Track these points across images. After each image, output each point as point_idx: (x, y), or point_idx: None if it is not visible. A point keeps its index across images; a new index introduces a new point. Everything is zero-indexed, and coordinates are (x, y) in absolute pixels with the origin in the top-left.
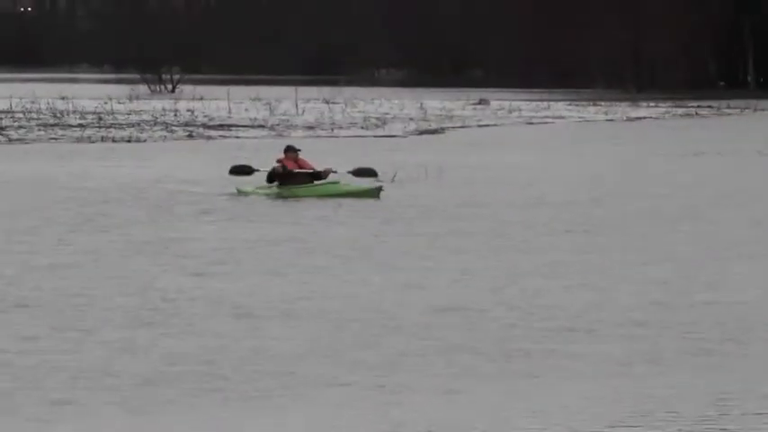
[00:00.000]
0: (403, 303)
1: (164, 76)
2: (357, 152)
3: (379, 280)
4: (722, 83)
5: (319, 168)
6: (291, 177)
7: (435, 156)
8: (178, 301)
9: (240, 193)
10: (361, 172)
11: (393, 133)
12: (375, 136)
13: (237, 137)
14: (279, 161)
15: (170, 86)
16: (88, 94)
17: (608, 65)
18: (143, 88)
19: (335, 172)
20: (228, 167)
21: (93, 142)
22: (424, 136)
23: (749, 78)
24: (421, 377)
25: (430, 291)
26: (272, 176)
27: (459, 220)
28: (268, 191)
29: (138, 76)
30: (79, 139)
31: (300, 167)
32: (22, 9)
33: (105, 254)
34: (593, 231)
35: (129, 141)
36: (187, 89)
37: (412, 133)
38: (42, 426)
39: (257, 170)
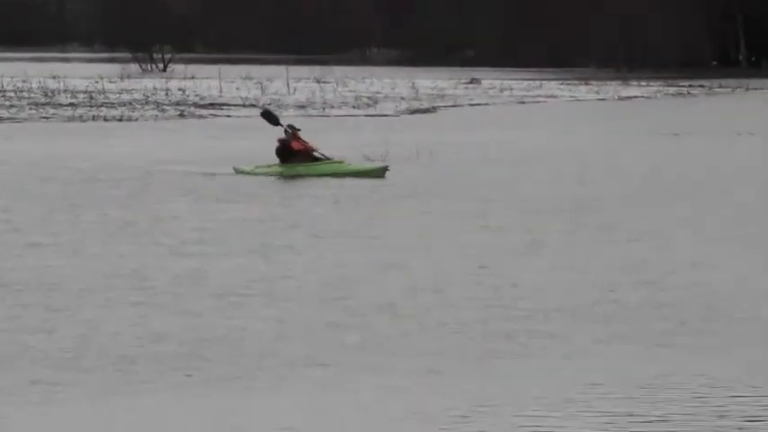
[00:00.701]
0: (385, 283)
1: (155, 55)
2: (348, 131)
3: (361, 259)
4: (714, 62)
5: (316, 145)
6: (293, 156)
7: (427, 135)
8: (157, 281)
9: (238, 172)
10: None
11: (385, 112)
12: (367, 115)
13: (229, 116)
14: (280, 140)
15: (161, 66)
16: (79, 73)
17: (600, 44)
18: (134, 67)
19: (341, 162)
20: (261, 110)
21: (84, 121)
22: (416, 115)
23: (741, 57)
24: (403, 358)
25: (411, 271)
26: (282, 152)
27: (446, 199)
28: (267, 170)
29: (129, 56)
30: (70, 119)
31: (304, 146)
32: None
33: (85, 233)
34: (574, 210)
35: (120, 120)
36: (178, 68)
37: (403, 112)
38: (21, 406)
39: (281, 125)
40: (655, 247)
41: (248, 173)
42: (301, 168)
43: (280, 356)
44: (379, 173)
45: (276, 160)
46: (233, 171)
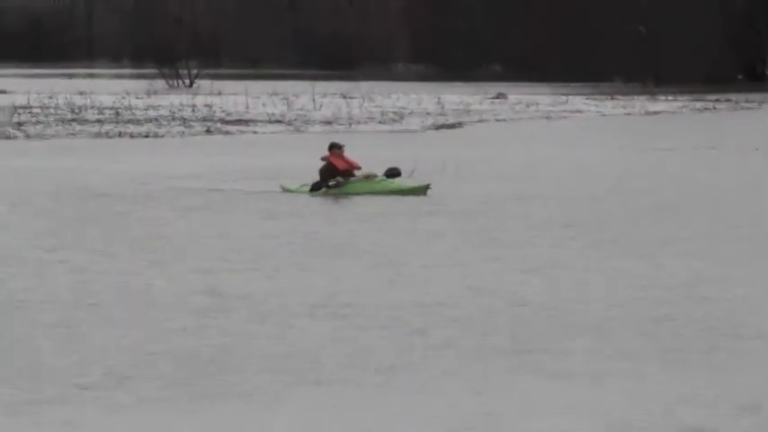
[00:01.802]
0: (393, 300)
1: (181, 71)
2: (375, 147)
3: (376, 275)
4: (740, 76)
5: (362, 173)
6: (337, 175)
7: (453, 150)
8: (160, 297)
9: (285, 190)
10: (392, 173)
11: (410, 128)
12: (392, 131)
13: (255, 132)
14: (324, 158)
15: (188, 82)
16: (106, 89)
17: (627, 59)
18: (161, 83)
19: (377, 176)
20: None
21: (110, 138)
22: (442, 130)
23: (766, 72)
24: (411, 375)
25: (420, 287)
26: (326, 172)
27: (471, 216)
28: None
29: (156, 72)
30: (97, 135)
31: (349, 164)
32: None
33: (93, 249)
34: (592, 227)
35: (146, 137)
36: (205, 84)
37: (429, 128)
38: (18, 423)
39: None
40: (675, 263)
41: (294, 191)
42: (345, 187)
43: (284, 373)
44: (421, 191)
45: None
46: (280, 189)
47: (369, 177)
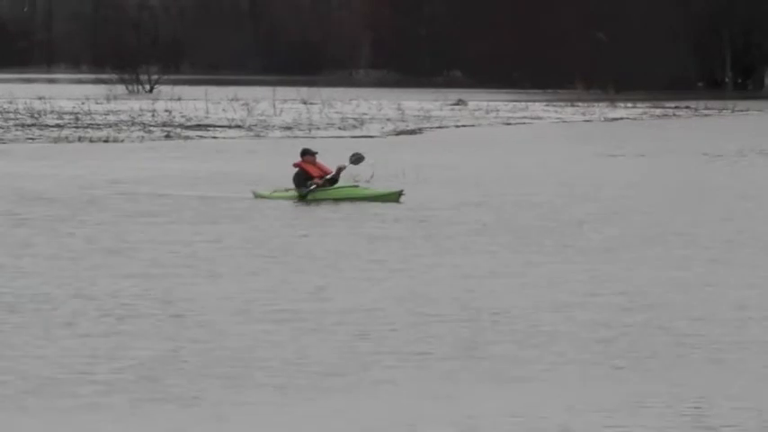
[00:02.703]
0: (334, 304)
1: (141, 76)
2: (335, 153)
3: (318, 280)
4: (700, 84)
5: (333, 171)
6: (308, 181)
7: (410, 156)
8: (116, 306)
9: (257, 196)
10: (356, 159)
11: (371, 134)
12: (353, 136)
13: (215, 137)
14: (296, 165)
15: (148, 87)
16: (66, 94)
17: (587, 66)
18: (121, 89)
19: (345, 167)
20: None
21: (70, 142)
22: (402, 136)
23: (727, 79)
24: (352, 380)
25: (390, 290)
26: (299, 179)
27: (420, 221)
28: (285, 194)
29: (115, 77)
30: (56, 140)
31: (322, 171)
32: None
33: (50, 256)
34: (539, 233)
35: (106, 141)
36: (165, 89)
37: (389, 134)
38: None
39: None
40: (631, 267)
41: (267, 197)
42: (318, 193)
43: (221, 377)
44: (394, 197)
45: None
46: (252, 195)
47: (339, 170)
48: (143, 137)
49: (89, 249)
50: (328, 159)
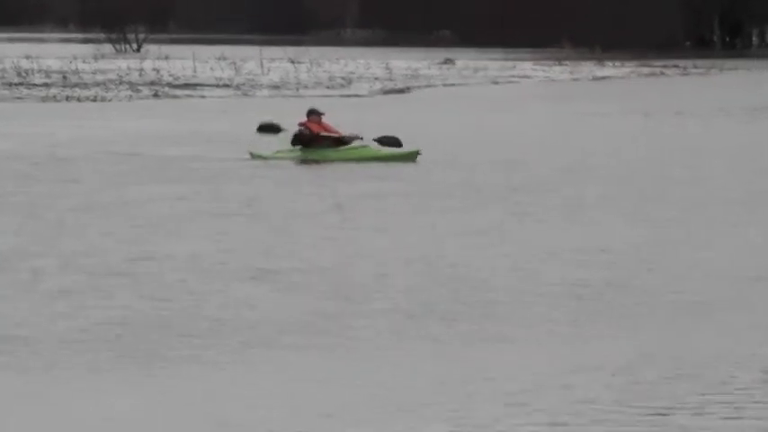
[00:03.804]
0: (354, 267)
1: (129, 35)
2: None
3: (312, 240)
4: (688, 43)
5: (344, 133)
6: (316, 141)
7: (400, 115)
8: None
9: (255, 157)
10: (386, 141)
11: (358, 93)
12: (341, 95)
13: (203, 96)
14: (301, 124)
15: (135, 46)
16: (53, 53)
17: (575, 24)
18: (108, 48)
19: (361, 138)
20: (257, 125)
21: (57, 101)
22: (390, 95)
23: (715, 38)
24: (372, 342)
25: (377, 254)
26: (297, 139)
27: (409, 181)
28: (290, 154)
29: (103, 36)
30: (44, 99)
31: (326, 131)
32: None
33: (40, 215)
34: (528, 191)
35: (94, 101)
36: (152, 49)
37: (377, 93)
38: None
39: (284, 129)
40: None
41: (268, 158)
42: (329, 152)
43: (223, 337)
44: (411, 157)
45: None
46: (249, 156)
47: (353, 138)
48: (131, 96)
49: (65, 209)
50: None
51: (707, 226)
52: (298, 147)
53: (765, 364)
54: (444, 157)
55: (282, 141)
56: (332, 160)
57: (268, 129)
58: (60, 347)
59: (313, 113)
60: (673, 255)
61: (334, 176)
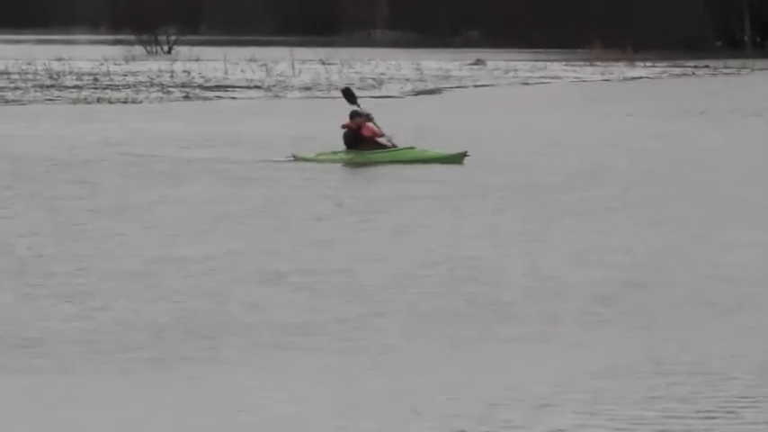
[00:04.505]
0: (351, 266)
1: (159, 37)
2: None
3: (334, 242)
4: (719, 43)
5: (386, 138)
6: (363, 143)
7: (432, 116)
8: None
9: (298, 159)
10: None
11: (390, 94)
12: (372, 96)
13: (234, 98)
14: (344, 126)
15: (166, 48)
16: (84, 55)
17: (605, 24)
18: (139, 50)
19: (396, 145)
20: (342, 88)
21: (89, 103)
22: (421, 96)
23: (746, 38)
24: (380, 341)
25: (389, 256)
26: (351, 139)
27: (438, 183)
28: (333, 156)
29: (133, 38)
30: (75, 101)
31: (373, 133)
32: None
33: (55, 216)
34: (556, 191)
35: (125, 102)
36: (183, 50)
37: (408, 94)
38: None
39: (357, 105)
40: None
41: (310, 160)
42: (373, 155)
43: (250, 337)
44: (458, 159)
45: (341, 147)
46: (292, 158)
47: (391, 143)
48: (161, 98)
49: (82, 210)
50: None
51: (728, 228)
52: (347, 149)
53: None
54: (476, 158)
55: (324, 144)
56: (376, 162)
57: (348, 95)
58: (72, 349)
59: (357, 115)
60: (693, 257)
61: (364, 178)
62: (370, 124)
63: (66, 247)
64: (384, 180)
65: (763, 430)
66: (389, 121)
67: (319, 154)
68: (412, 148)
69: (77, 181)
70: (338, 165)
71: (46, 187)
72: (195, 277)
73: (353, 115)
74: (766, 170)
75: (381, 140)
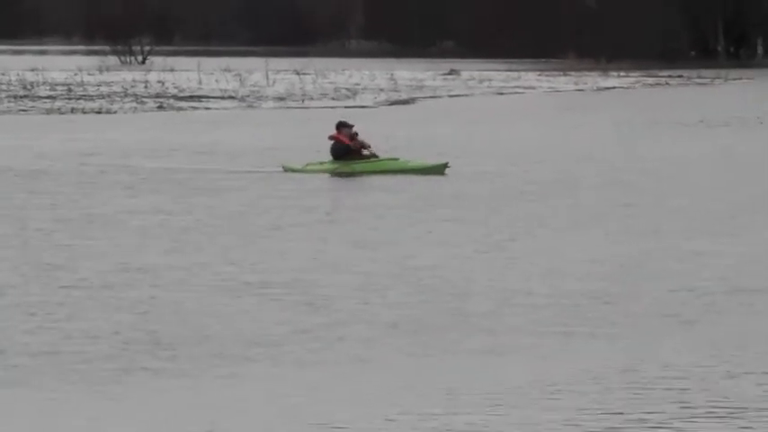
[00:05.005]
0: (319, 277)
1: (134, 47)
2: (328, 123)
3: (304, 252)
4: (693, 53)
5: (371, 148)
6: (350, 154)
7: (405, 126)
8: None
9: (287, 170)
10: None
11: (364, 104)
12: (346, 106)
13: (208, 108)
14: (331, 137)
15: (140, 58)
16: (58, 66)
17: (579, 35)
18: (113, 60)
19: (378, 156)
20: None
21: (62, 114)
22: (395, 106)
23: (719, 48)
24: (332, 352)
25: (362, 264)
26: (339, 151)
27: (404, 192)
28: (321, 167)
29: (108, 48)
30: (49, 111)
31: (360, 144)
32: None
33: (17, 227)
34: (523, 202)
35: (98, 113)
36: (158, 61)
37: (382, 104)
38: None
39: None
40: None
41: (298, 170)
42: (358, 166)
43: (209, 348)
44: (439, 170)
45: (328, 157)
46: (281, 169)
47: (373, 154)
48: (136, 108)
49: (46, 220)
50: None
51: (692, 238)
52: (334, 160)
53: (745, 375)
54: (450, 169)
55: (298, 153)
56: (361, 173)
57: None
58: (36, 361)
59: (344, 126)
60: (658, 267)
61: (341, 188)
62: (357, 137)
63: (30, 258)
64: (360, 190)
65: None
66: (363, 132)
67: (307, 164)
68: (395, 159)
69: (42, 191)
70: (324, 175)
71: (9, 198)
72: (159, 288)
73: (340, 126)
74: (731, 180)
75: (365, 152)
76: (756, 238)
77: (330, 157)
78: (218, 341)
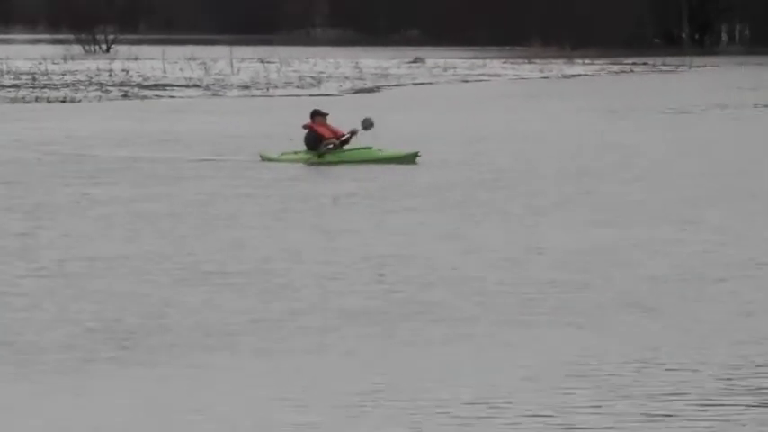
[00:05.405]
0: (289, 267)
1: (98, 36)
2: (293, 111)
3: (272, 242)
4: (657, 40)
5: (346, 132)
6: (321, 142)
7: (370, 114)
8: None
9: (264, 159)
10: (367, 125)
11: (329, 92)
12: (311, 95)
13: (172, 96)
14: (306, 126)
15: (105, 47)
16: (22, 54)
17: (544, 22)
18: (78, 49)
19: (356, 132)
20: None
21: (27, 102)
22: (360, 95)
23: (684, 35)
24: (295, 342)
25: (325, 251)
26: (311, 140)
27: (372, 181)
28: (295, 156)
29: (72, 37)
30: (13, 100)
31: (334, 133)
32: None
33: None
34: (490, 190)
35: (63, 102)
36: (122, 49)
37: (347, 92)
38: None
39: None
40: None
41: (275, 160)
42: (331, 156)
43: (190, 338)
44: (410, 159)
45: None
46: (259, 158)
47: (352, 133)
48: (100, 97)
49: (14, 208)
50: (290, 123)
51: (655, 226)
52: (308, 149)
53: (709, 364)
54: (419, 158)
55: (287, 144)
56: (335, 162)
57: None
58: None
59: (317, 114)
60: (621, 256)
61: (306, 177)
62: (329, 124)
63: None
64: (329, 179)
65: (689, 425)
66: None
67: (282, 153)
68: (368, 148)
69: (0, 180)
70: (298, 165)
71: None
72: (117, 277)
73: (315, 114)
74: (694, 168)
75: (345, 136)
76: (719, 225)
77: (304, 147)
78: (177, 331)
